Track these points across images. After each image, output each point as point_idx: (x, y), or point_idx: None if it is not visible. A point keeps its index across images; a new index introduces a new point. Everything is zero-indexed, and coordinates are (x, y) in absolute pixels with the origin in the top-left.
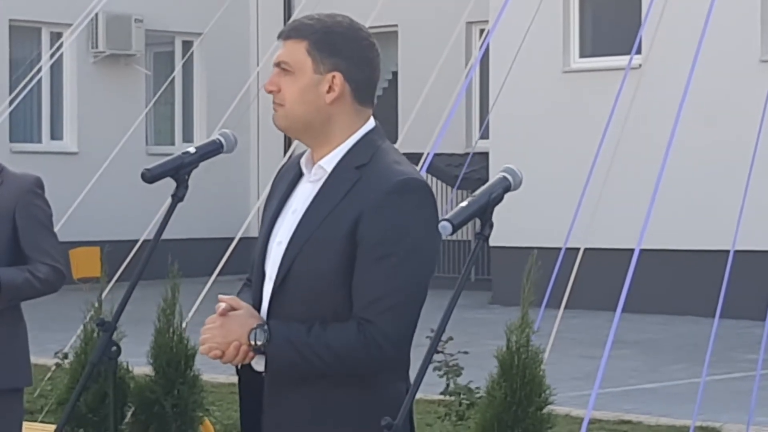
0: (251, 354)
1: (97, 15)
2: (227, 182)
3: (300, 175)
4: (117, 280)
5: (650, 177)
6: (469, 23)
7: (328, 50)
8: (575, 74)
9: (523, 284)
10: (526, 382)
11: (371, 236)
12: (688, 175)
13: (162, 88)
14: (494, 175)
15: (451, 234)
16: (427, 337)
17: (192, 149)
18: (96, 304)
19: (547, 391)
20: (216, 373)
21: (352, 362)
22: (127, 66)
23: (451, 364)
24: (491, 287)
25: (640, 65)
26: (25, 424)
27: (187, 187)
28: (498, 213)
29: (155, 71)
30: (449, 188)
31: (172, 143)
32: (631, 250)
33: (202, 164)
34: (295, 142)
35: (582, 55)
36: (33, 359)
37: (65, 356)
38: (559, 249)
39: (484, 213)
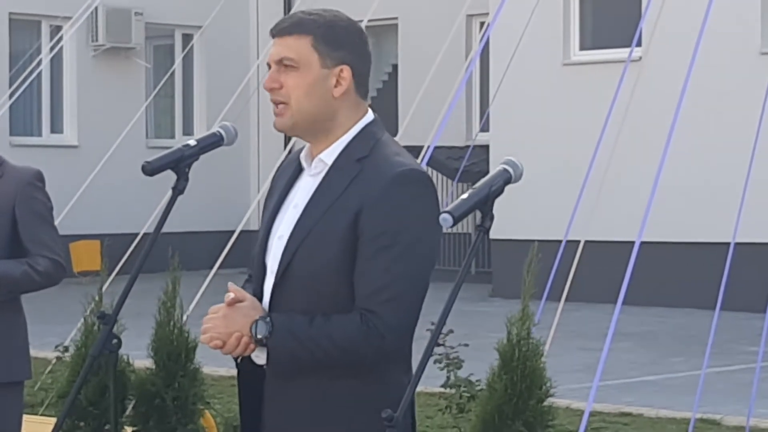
0: (252, 346)
1: (96, 8)
2: (227, 175)
3: (300, 170)
4: (117, 274)
5: (650, 169)
6: (470, 16)
7: (334, 44)
8: (575, 67)
9: (523, 277)
10: (526, 374)
11: (373, 227)
12: (689, 168)
13: (162, 82)
14: (495, 168)
15: (452, 226)
16: (428, 329)
17: (192, 142)
18: (96, 298)
19: (548, 384)
20: (216, 366)
21: (354, 353)
22: (127, 59)
23: (451, 356)
24: (492, 280)
25: (641, 57)
26: (25, 418)
27: (187, 179)
28: (499, 205)
29: (155, 64)
30: (449, 181)
31: (172, 136)
32: (632, 243)
33: (202, 157)
34: None
35: (582, 47)
36: (33, 352)
37: (65, 349)
38: (560, 241)
39: (484, 205)
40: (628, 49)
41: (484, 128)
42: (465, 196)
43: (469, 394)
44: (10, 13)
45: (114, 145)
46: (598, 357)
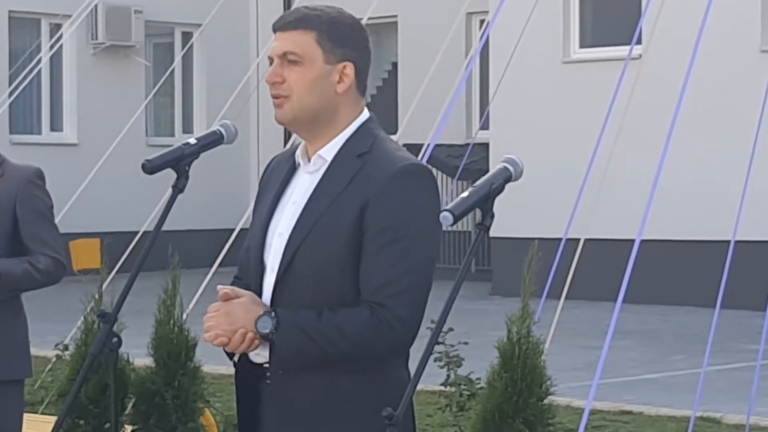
0: (257, 342)
1: (96, 6)
2: (227, 173)
3: (294, 168)
4: (117, 272)
5: (651, 167)
6: (469, 14)
7: (338, 41)
8: (575, 65)
9: (523, 275)
10: (526, 372)
11: (378, 222)
12: (689, 166)
13: (162, 80)
14: (495, 166)
15: (452, 225)
16: (428, 328)
17: (192, 140)
18: (96, 296)
19: (548, 382)
20: (216, 364)
21: (364, 346)
22: (127, 57)
23: (451, 354)
24: (492, 278)
25: (641, 55)
26: (25, 416)
27: (187, 178)
28: (499, 203)
29: (155, 62)
30: (449, 179)
31: (172, 134)
32: (632, 241)
33: (202, 155)
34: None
35: (582, 45)
36: (33, 351)
37: (66, 348)
38: (560, 239)
39: (485, 203)
40: (627, 47)
41: (484, 126)
42: (465, 194)
43: (469, 393)
44: (10, 11)
45: (114, 143)
46: (599, 355)
